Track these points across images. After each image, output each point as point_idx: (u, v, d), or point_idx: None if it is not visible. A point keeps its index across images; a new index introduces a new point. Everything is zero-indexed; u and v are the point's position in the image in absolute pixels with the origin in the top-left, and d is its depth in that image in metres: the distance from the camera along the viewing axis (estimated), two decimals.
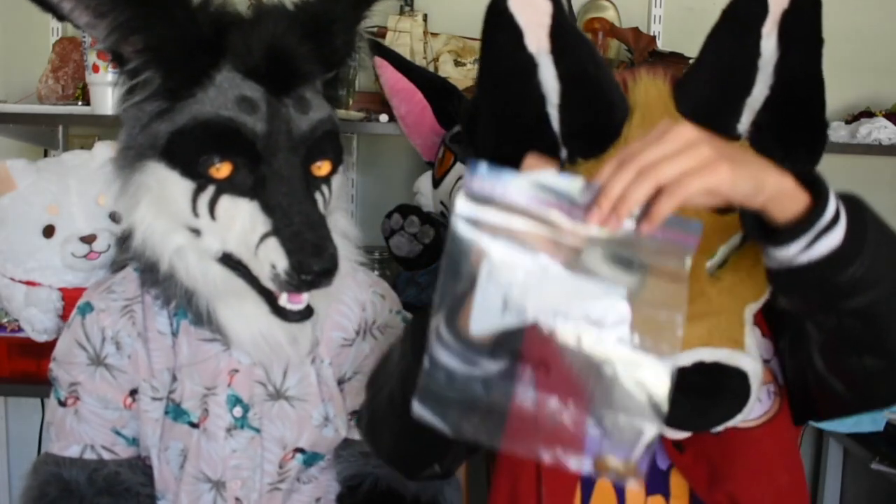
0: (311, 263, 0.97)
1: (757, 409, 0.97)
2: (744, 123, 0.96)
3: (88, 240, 1.57)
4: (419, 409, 0.74)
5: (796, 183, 0.74)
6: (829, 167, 2.40)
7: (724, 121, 0.94)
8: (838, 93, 2.31)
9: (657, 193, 0.70)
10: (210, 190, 1.01)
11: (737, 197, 0.72)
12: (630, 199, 0.70)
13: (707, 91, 0.95)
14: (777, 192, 0.73)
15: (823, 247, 0.74)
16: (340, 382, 1.22)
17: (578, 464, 0.72)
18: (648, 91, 0.96)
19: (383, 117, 1.79)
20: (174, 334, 1.16)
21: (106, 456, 1.17)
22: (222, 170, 1.00)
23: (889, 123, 1.94)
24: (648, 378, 0.72)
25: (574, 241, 0.72)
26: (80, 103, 1.91)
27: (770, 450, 0.98)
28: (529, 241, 0.72)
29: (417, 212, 1.66)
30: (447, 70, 2.01)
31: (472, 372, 0.75)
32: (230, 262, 1.04)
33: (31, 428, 2.13)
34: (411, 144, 1.71)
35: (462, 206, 0.72)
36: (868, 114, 2.04)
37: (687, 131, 0.71)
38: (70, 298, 1.60)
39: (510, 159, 0.92)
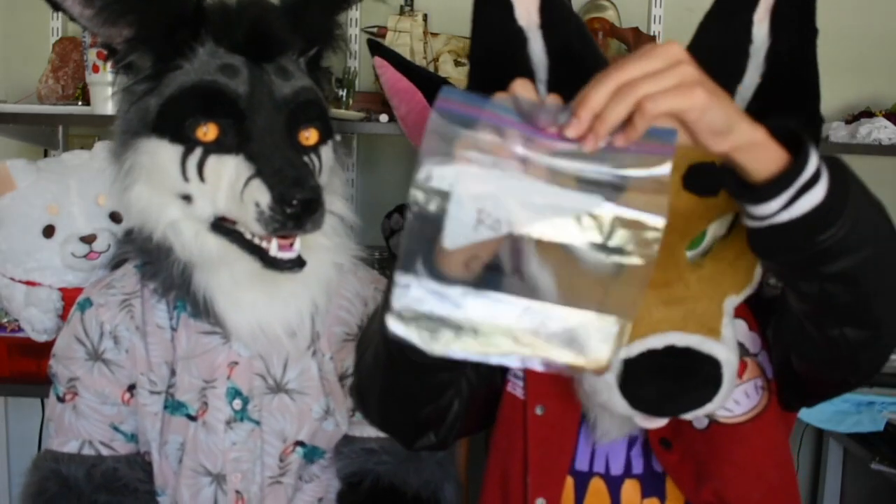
0: (294, 193, 0.99)
1: (744, 403, 0.97)
2: (742, 97, 0.97)
3: (88, 240, 1.57)
4: (393, 325, 0.71)
5: (770, 137, 0.72)
6: None
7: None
8: (838, 93, 2.32)
9: (636, 108, 0.68)
10: (198, 152, 1.04)
11: (703, 129, 0.69)
12: (608, 117, 0.67)
13: (710, 68, 0.95)
14: (748, 142, 0.71)
15: (805, 204, 0.73)
16: (342, 378, 1.22)
17: (546, 364, 0.71)
18: None
19: (383, 117, 1.79)
20: (173, 328, 1.16)
21: (104, 452, 1.18)
22: (209, 133, 1.04)
23: (889, 123, 1.94)
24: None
25: (549, 159, 0.69)
26: (80, 103, 1.91)
27: (758, 446, 0.97)
28: (503, 157, 0.69)
29: None
30: (447, 70, 2.01)
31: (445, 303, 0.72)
32: (222, 228, 1.06)
33: (31, 428, 2.13)
34: (411, 144, 1.71)
35: (434, 122, 0.69)
36: (868, 114, 2.04)
37: (673, 49, 0.69)
38: (70, 298, 1.60)
39: None
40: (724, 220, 0.94)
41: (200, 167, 1.04)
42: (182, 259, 1.09)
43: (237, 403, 1.16)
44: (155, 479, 1.19)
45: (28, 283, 1.61)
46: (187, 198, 1.06)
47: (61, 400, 1.19)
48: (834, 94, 2.30)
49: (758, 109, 0.96)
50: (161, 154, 1.05)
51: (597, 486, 1.04)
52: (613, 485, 1.04)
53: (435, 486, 1.23)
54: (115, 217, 1.60)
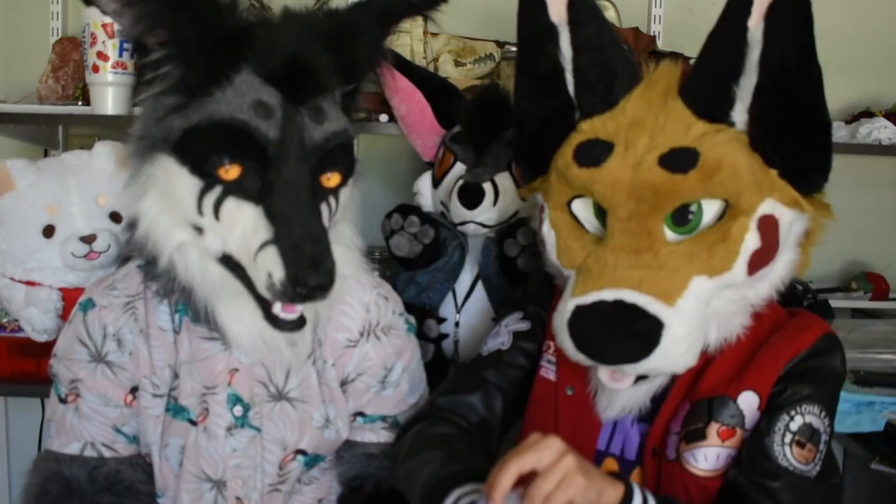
0: (308, 277, 0.97)
1: (712, 462, 1.04)
2: (738, 112, 1.03)
3: (88, 240, 1.57)
4: None
5: (622, 493, 0.92)
6: None
7: (717, 108, 1.03)
8: (838, 93, 2.32)
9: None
10: (217, 190, 1.01)
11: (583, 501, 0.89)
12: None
13: (702, 80, 1.05)
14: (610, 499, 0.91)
15: None
16: (343, 383, 1.22)
17: None
18: (661, 72, 1.09)
19: (383, 117, 1.79)
20: (176, 331, 1.16)
21: (106, 454, 1.17)
22: (231, 171, 1.00)
23: (889, 123, 1.94)
24: None
25: None
26: (80, 103, 1.91)
27: (713, 490, 1.05)
28: None
29: (417, 212, 1.66)
30: (447, 70, 2.01)
31: None
32: (230, 263, 1.04)
33: (31, 428, 2.13)
34: (411, 144, 1.71)
35: None
36: (868, 114, 2.04)
37: (556, 443, 0.90)
38: (70, 298, 1.60)
39: (528, 109, 1.20)
40: (714, 206, 1.02)
41: (217, 206, 1.01)
42: (183, 282, 1.08)
43: (238, 410, 1.16)
44: (156, 480, 1.19)
45: (28, 283, 1.61)
46: (199, 229, 1.04)
47: (63, 401, 1.18)
48: (834, 94, 2.30)
49: (757, 112, 1.02)
50: (178, 180, 1.02)
51: (609, 465, 1.12)
52: (625, 468, 1.11)
53: None
54: (115, 217, 1.60)
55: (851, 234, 2.20)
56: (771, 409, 1.04)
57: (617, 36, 1.12)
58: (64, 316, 1.62)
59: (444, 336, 1.64)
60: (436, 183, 1.67)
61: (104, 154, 1.62)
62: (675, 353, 0.99)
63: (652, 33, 2.16)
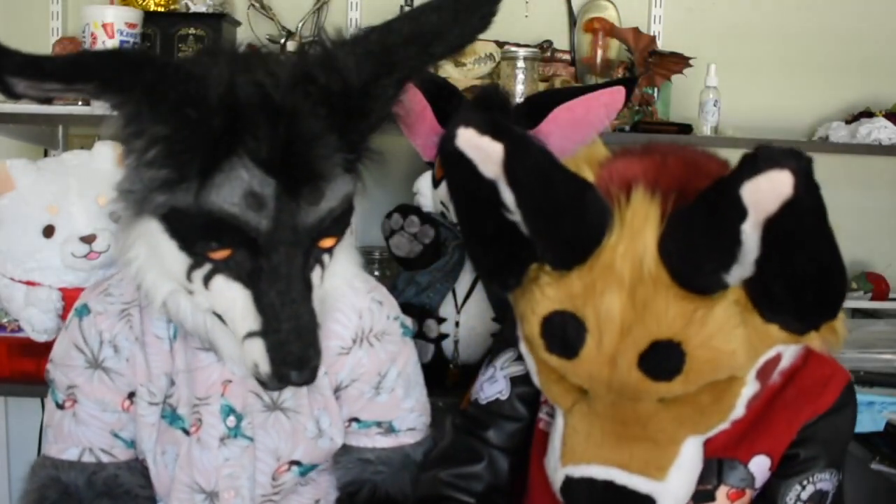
0: (292, 377, 0.98)
1: None
2: (733, 277, 0.89)
3: (88, 240, 1.57)
4: None
5: None
6: (829, 167, 2.40)
7: (703, 280, 0.89)
8: (838, 93, 2.32)
9: None
10: (206, 267, 1.00)
11: None
12: None
13: (686, 251, 0.89)
14: None
15: None
16: (337, 390, 1.21)
17: None
18: (636, 216, 0.91)
19: None
20: (172, 339, 1.15)
21: (104, 459, 1.17)
22: (220, 253, 0.98)
23: (889, 123, 1.94)
24: None
25: None
26: (80, 103, 1.91)
27: None
28: None
29: (417, 212, 1.65)
30: (447, 70, 2.01)
31: None
32: (221, 318, 1.04)
33: (31, 428, 2.12)
34: (411, 144, 1.71)
35: None
36: (868, 114, 2.04)
37: None
38: (70, 298, 1.59)
39: (479, 257, 1.05)
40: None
41: (207, 280, 1.00)
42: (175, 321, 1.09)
43: (231, 420, 1.16)
44: (155, 487, 1.19)
45: (28, 283, 1.60)
46: (189, 291, 1.04)
47: (60, 407, 1.18)
48: (834, 94, 2.31)
49: (750, 290, 0.91)
50: (167, 252, 1.01)
51: None
52: None
53: (435, 498, 1.22)
54: (115, 217, 1.59)
55: (851, 234, 2.18)
56: (781, 476, 1.04)
57: (575, 183, 0.92)
58: (64, 316, 1.61)
59: (444, 336, 1.64)
60: (436, 183, 1.67)
61: (104, 154, 1.61)
62: None
63: (652, 33, 2.16)
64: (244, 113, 0.95)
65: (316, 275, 1.04)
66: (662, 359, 0.90)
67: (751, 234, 0.82)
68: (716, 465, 1.03)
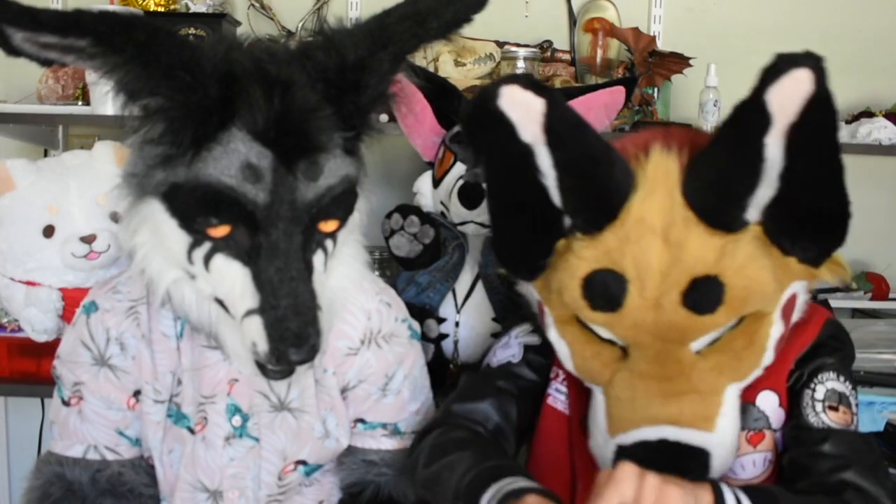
0: (290, 354, 0.97)
1: (749, 471, 1.04)
2: (752, 211, 0.95)
3: (88, 240, 1.57)
4: None
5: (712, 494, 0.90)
6: None
7: (729, 213, 0.95)
8: (838, 93, 2.31)
9: None
10: (206, 246, 1.00)
11: None
12: None
13: (711, 185, 0.95)
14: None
15: None
16: (344, 391, 1.21)
17: None
18: (657, 169, 0.96)
19: (383, 117, 1.79)
20: (179, 337, 1.15)
21: (109, 456, 1.17)
22: (219, 230, 0.98)
23: (889, 123, 1.94)
24: None
25: None
26: (80, 103, 1.91)
27: None
28: None
29: (417, 212, 1.66)
30: (447, 70, 2.01)
31: None
32: (223, 304, 1.04)
33: (31, 428, 2.13)
34: (411, 144, 1.71)
35: None
36: (868, 114, 2.04)
37: (629, 470, 0.86)
38: (70, 298, 1.59)
39: (505, 228, 1.06)
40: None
41: (207, 260, 1.00)
42: (179, 313, 1.09)
43: (237, 420, 1.16)
44: (160, 485, 1.19)
45: (28, 283, 1.60)
46: (191, 275, 1.04)
47: (66, 403, 1.18)
48: (834, 94, 2.31)
49: (775, 218, 0.96)
50: (168, 230, 1.01)
51: None
52: None
53: None
54: (115, 217, 1.59)
55: (851, 234, 2.19)
56: (793, 398, 1.04)
57: (603, 140, 0.97)
58: (64, 316, 1.61)
59: (444, 336, 1.64)
60: (436, 183, 1.67)
61: (104, 154, 1.62)
62: (725, 465, 1.00)
63: (652, 33, 2.16)
64: (239, 83, 0.95)
65: (318, 259, 1.03)
66: (704, 293, 0.94)
67: (774, 146, 0.87)
68: None
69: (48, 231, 1.57)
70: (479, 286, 1.64)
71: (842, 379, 1.05)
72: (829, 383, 1.04)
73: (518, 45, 2.03)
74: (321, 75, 0.99)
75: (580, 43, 2.12)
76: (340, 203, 1.04)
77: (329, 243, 1.05)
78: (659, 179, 0.96)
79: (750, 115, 0.87)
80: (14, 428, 2.24)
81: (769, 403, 1.04)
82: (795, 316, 1.04)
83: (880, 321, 2.00)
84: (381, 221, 1.67)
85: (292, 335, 0.96)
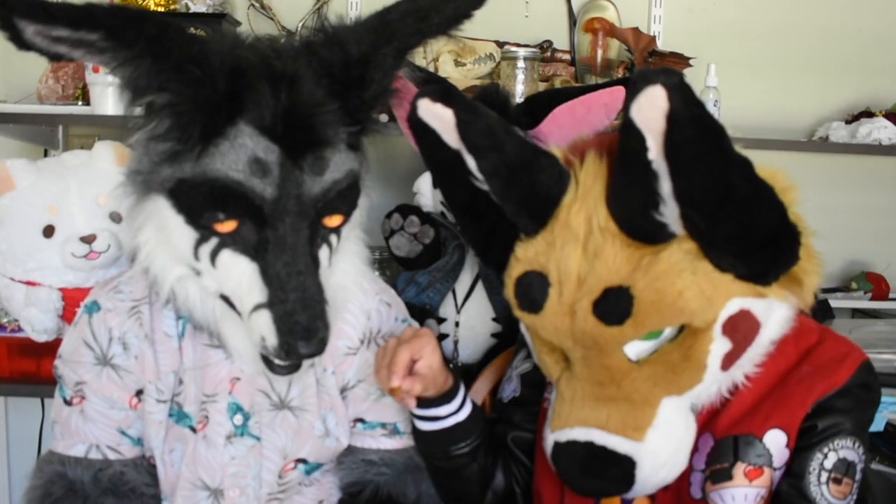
0: (299, 347, 0.97)
1: (739, 502, 1.01)
2: (675, 225, 0.92)
3: (88, 240, 1.57)
4: None
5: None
6: (830, 167, 2.40)
7: (647, 233, 0.93)
8: (838, 93, 2.32)
9: None
10: (213, 242, 1.00)
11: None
12: None
13: (623, 209, 0.94)
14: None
15: None
16: (343, 390, 1.21)
17: None
18: (587, 176, 0.97)
19: (383, 117, 1.79)
20: (180, 336, 1.15)
21: (111, 456, 1.17)
22: (226, 225, 0.99)
23: (889, 123, 1.94)
24: None
25: None
26: (80, 103, 1.91)
27: None
28: None
29: (417, 212, 1.66)
30: (447, 70, 2.01)
31: None
32: (228, 301, 1.04)
33: (31, 428, 2.13)
34: (411, 144, 1.71)
35: None
36: (868, 114, 2.04)
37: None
38: (70, 298, 1.59)
39: (465, 228, 1.14)
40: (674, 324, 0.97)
41: (214, 256, 1.01)
42: (183, 310, 1.09)
43: (238, 419, 1.16)
44: (161, 485, 1.19)
45: (28, 283, 1.60)
46: (196, 271, 1.04)
47: (68, 403, 1.17)
48: (834, 94, 2.31)
49: (690, 233, 0.93)
50: (174, 227, 1.01)
51: (612, 500, 1.09)
52: (626, 500, 1.09)
53: (432, 498, 1.23)
54: (115, 217, 1.59)
55: (851, 234, 2.20)
56: (802, 448, 1.02)
57: (527, 148, 0.98)
58: (64, 316, 1.61)
59: (444, 336, 1.64)
60: (436, 183, 1.67)
61: (104, 154, 1.62)
62: (653, 481, 1.00)
63: (652, 33, 2.17)
64: (246, 78, 0.96)
65: (323, 254, 1.03)
66: (613, 303, 0.94)
67: (658, 161, 0.86)
68: (731, 443, 1.02)
69: (48, 231, 1.57)
70: (479, 286, 1.64)
71: (856, 445, 1.02)
72: (842, 451, 1.01)
73: (518, 45, 2.03)
74: (326, 70, 1.00)
75: (580, 43, 2.12)
76: (345, 197, 1.04)
77: (333, 238, 1.05)
78: (589, 186, 0.97)
79: (627, 134, 0.86)
80: (14, 428, 2.24)
81: (776, 443, 1.02)
82: (775, 334, 1.01)
83: (880, 321, 2.00)
84: (381, 221, 1.67)
85: (302, 328, 0.97)
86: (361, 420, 1.23)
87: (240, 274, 1.00)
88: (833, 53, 2.18)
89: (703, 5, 2.20)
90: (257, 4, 2.07)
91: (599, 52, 2.07)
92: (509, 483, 1.23)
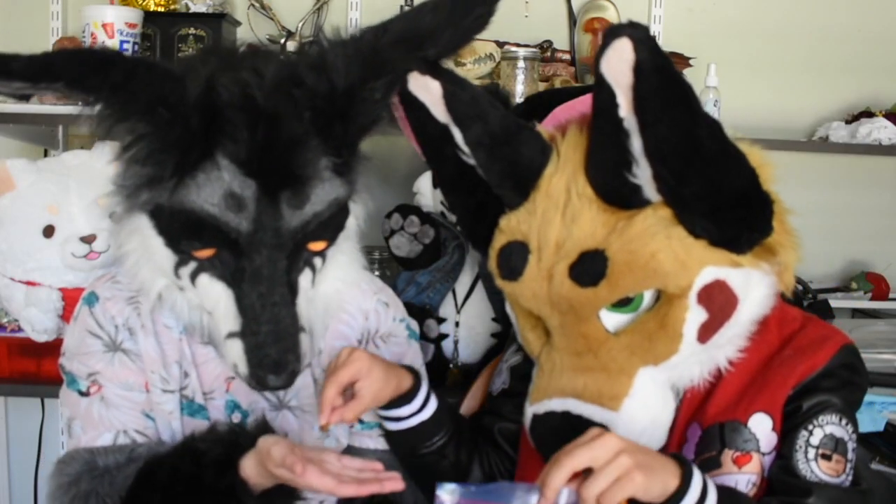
0: (269, 380, 0.99)
1: None
2: (649, 191, 0.94)
3: (88, 240, 1.57)
4: None
5: (680, 473, 0.89)
6: (830, 167, 2.41)
7: (622, 197, 0.96)
8: (838, 93, 2.32)
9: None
10: (191, 265, 1.01)
11: (648, 498, 0.86)
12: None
13: (598, 172, 0.97)
14: (670, 488, 0.87)
15: None
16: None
17: None
18: (569, 147, 1.01)
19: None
20: (181, 329, 1.15)
21: (140, 439, 1.13)
22: (204, 252, 1.00)
23: (889, 123, 1.94)
24: None
25: None
26: (80, 103, 1.90)
27: None
28: None
29: (417, 212, 1.66)
30: None
31: None
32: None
33: (31, 428, 2.13)
34: (411, 144, 1.71)
35: None
36: (868, 114, 2.04)
37: (612, 442, 0.86)
38: (70, 298, 1.59)
39: (454, 205, 1.18)
40: (651, 291, 0.99)
41: (193, 277, 1.02)
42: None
43: (236, 417, 1.15)
44: None
45: (28, 283, 1.60)
46: (180, 287, 1.05)
47: (85, 394, 1.13)
48: (834, 94, 2.31)
49: (664, 196, 0.95)
50: (155, 246, 1.02)
51: None
52: None
53: (431, 500, 1.22)
54: (114, 217, 1.59)
55: (851, 234, 2.20)
56: (788, 431, 1.01)
57: (511, 120, 1.02)
58: (64, 316, 1.61)
59: (444, 336, 1.64)
60: (436, 183, 1.67)
61: (104, 154, 1.62)
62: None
63: (652, 33, 2.16)
64: (223, 114, 0.95)
65: (305, 278, 1.04)
66: (588, 265, 0.97)
67: (629, 119, 0.88)
68: (717, 431, 1.02)
69: (48, 231, 1.57)
70: (479, 286, 1.64)
71: (843, 422, 1.01)
72: (828, 427, 1.00)
73: (518, 45, 2.03)
74: (309, 103, 0.98)
75: (580, 43, 2.12)
76: (328, 226, 1.04)
77: (318, 261, 1.06)
78: (569, 157, 1.00)
79: (599, 91, 0.89)
80: (14, 428, 2.24)
81: (762, 427, 1.01)
82: (755, 312, 1.01)
83: (880, 321, 2.00)
84: (381, 221, 1.67)
85: (271, 362, 0.98)
86: (360, 420, 1.23)
87: (217, 298, 1.01)
88: (833, 53, 2.18)
89: (703, 5, 2.20)
90: (257, 4, 2.07)
91: None
92: (488, 477, 1.23)
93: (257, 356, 0.98)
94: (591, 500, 0.84)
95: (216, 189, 0.96)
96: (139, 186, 0.99)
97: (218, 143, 0.95)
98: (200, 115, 0.94)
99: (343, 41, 1.01)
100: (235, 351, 1.00)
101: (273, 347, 0.98)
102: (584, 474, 0.86)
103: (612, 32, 0.85)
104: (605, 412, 0.98)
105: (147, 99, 0.93)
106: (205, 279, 1.01)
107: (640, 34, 0.84)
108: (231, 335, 1.00)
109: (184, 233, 0.99)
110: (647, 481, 0.85)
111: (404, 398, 1.14)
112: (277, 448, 0.95)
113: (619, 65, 0.85)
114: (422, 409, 1.16)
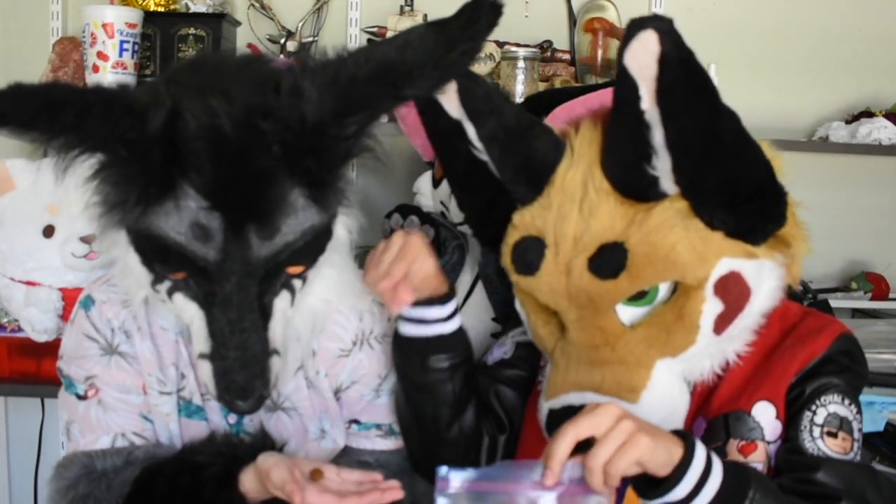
0: (237, 405, 1.00)
1: None
2: (667, 183, 0.95)
3: (88, 240, 1.57)
4: None
5: (683, 443, 0.89)
6: (830, 167, 2.40)
7: (640, 189, 0.97)
8: (838, 93, 2.32)
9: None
10: (167, 283, 1.02)
11: (654, 466, 0.86)
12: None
13: (616, 165, 0.98)
14: (675, 457, 0.87)
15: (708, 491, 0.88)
16: (337, 392, 1.21)
17: None
18: (583, 142, 1.02)
19: (383, 117, 1.79)
20: (178, 332, 1.15)
21: (138, 442, 1.14)
22: (176, 274, 1.00)
23: (889, 123, 1.94)
24: None
25: None
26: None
27: None
28: None
29: (417, 212, 1.66)
30: None
31: None
32: None
33: (31, 428, 2.13)
34: (411, 144, 1.71)
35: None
36: (868, 114, 2.04)
37: (613, 409, 0.86)
38: (70, 298, 1.60)
39: (462, 201, 1.16)
40: (667, 284, 0.99)
41: (170, 294, 1.03)
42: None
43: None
44: None
45: (28, 283, 1.61)
46: (161, 300, 1.06)
47: (83, 398, 1.15)
48: (834, 94, 2.31)
49: (682, 188, 0.96)
50: (133, 264, 1.04)
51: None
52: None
53: (428, 499, 1.22)
54: None
55: (851, 234, 2.20)
56: (791, 415, 1.02)
57: (524, 115, 1.03)
58: (64, 316, 1.61)
59: None
60: (436, 183, 1.67)
61: None
62: None
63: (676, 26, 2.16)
64: (188, 145, 0.93)
65: (282, 300, 1.03)
66: (607, 258, 0.97)
67: (651, 112, 0.89)
68: (722, 421, 1.03)
69: (48, 231, 1.58)
70: (479, 286, 1.63)
71: (846, 402, 1.02)
72: (831, 406, 1.01)
73: (518, 45, 2.03)
74: (278, 137, 0.94)
75: (580, 43, 2.12)
76: (304, 253, 1.03)
77: (297, 282, 1.05)
78: (584, 151, 1.00)
79: (621, 84, 0.90)
80: (14, 428, 2.24)
81: (766, 415, 1.02)
82: (765, 305, 1.03)
83: (880, 321, 2.00)
84: (381, 221, 1.67)
85: (238, 388, 0.99)
86: (356, 421, 1.23)
87: (191, 317, 1.02)
88: (833, 53, 2.18)
89: (703, 5, 2.20)
90: (257, 4, 2.06)
91: (599, 52, 2.06)
92: (479, 426, 1.21)
93: (224, 381, 0.99)
94: (597, 469, 0.84)
95: (183, 218, 0.95)
96: (112, 206, 0.98)
97: (184, 174, 0.94)
98: (162, 150, 0.92)
99: (324, 65, 0.96)
100: (206, 372, 1.01)
101: (240, 374, 0.98)
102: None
103: (637, 24, 0.85)
104: (624, 405, 0.96)
105: (103, 137, 0.91)
106: (179, 297, 1.02)
107: (664, 26, 0.84)
108: (202, 356, 1.01)
109: (154, 256, 1.00)
110: (653, 444, 0.85)
111: (438, 300, 1.12)
112: (277, 471, 0.97)
113: (644, 57, 0.85)
114: (447, 321, 1.14)
